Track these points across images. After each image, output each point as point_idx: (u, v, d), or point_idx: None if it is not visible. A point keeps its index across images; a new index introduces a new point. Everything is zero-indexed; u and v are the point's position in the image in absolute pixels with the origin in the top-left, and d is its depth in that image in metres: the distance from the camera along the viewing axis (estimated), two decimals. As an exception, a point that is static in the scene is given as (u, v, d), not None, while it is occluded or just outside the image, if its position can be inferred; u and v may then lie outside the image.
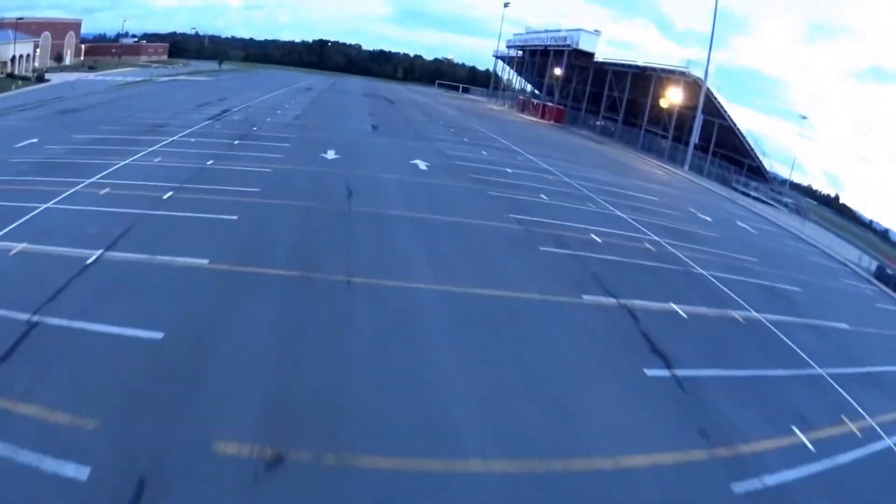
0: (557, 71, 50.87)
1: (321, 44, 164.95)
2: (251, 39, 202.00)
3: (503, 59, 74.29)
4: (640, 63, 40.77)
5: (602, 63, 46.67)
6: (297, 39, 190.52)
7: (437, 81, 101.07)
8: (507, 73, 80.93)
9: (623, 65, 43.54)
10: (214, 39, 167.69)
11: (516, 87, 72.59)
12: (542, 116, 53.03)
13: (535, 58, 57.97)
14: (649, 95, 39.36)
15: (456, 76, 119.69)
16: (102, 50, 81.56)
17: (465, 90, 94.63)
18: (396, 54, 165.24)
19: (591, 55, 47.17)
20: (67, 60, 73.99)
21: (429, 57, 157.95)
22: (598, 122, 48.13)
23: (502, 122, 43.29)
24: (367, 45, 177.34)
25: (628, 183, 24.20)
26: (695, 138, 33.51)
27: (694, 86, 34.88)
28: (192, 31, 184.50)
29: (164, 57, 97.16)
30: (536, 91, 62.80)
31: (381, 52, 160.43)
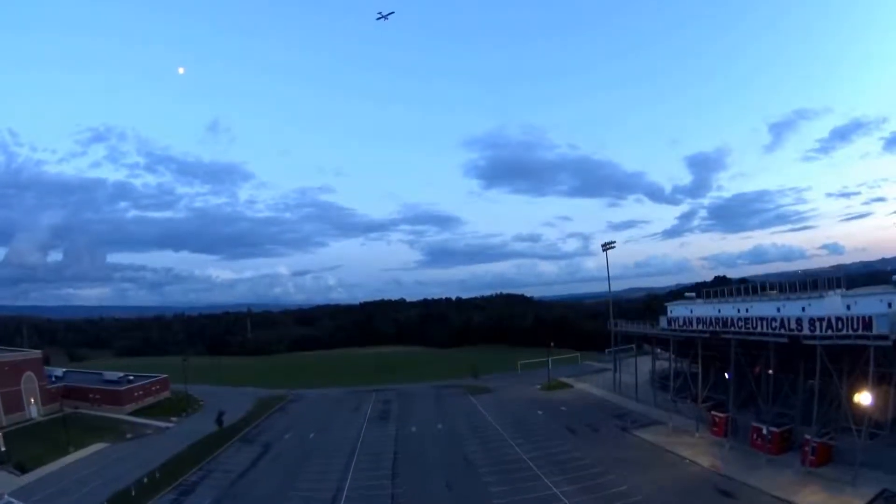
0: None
1: (368, 312, 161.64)
2: (300, 308, 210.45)
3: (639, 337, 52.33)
4: None
5: None
6: (343, 301, 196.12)
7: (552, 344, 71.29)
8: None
9: None
10: (265, 316, 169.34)
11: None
12: (776, 450, 30.67)
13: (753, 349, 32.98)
14: None
15: (523, 325, 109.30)
16: (81, 393, 62.02)
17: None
18: (440, 301, 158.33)
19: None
20: (34, 412, 53.24)
21: (476, 291, 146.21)
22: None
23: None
24: (410, 295, 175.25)
25: None
26: None
27: None
28: (245, 309, 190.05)
29: (165, 394, 66.89)
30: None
31: (430, 312, 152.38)
